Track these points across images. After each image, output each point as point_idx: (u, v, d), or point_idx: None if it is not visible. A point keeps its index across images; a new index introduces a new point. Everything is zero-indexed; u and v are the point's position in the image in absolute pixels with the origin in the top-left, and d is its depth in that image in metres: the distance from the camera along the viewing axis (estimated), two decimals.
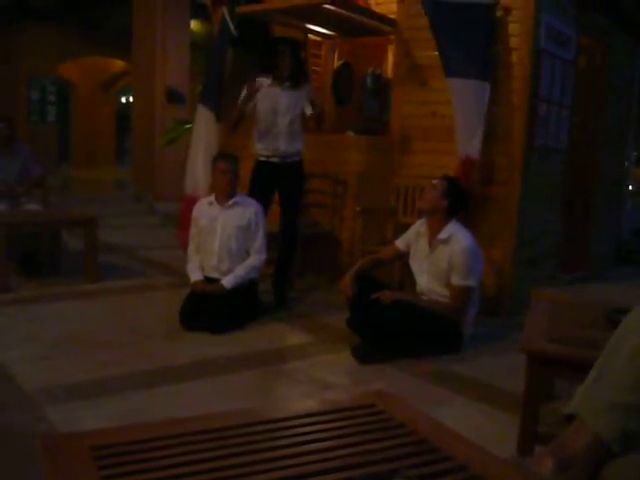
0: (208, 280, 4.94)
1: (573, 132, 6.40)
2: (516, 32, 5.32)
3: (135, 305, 5.40)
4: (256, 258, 5.01)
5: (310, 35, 6.82)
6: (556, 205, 6.23)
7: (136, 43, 12.91)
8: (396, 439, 1.70)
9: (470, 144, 5.22)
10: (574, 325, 2.94)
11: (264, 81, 5.29)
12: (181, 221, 5.85)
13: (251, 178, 5.48)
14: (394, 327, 4.25)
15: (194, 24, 13.03)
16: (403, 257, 4.85)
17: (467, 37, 5.20)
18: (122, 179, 15.16)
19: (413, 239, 4.67)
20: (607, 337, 1.72)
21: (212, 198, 5.10)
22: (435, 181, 4.56)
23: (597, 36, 6.86)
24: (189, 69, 12.98)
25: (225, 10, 5.78)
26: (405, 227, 5.05)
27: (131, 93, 15.70)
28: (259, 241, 5.03)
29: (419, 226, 4.65)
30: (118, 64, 19.30)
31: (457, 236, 4.40)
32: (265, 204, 5.27)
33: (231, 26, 5.74)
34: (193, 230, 5.14)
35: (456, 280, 4.35)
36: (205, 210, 5.10)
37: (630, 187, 10.05)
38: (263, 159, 5.42)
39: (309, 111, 5.31)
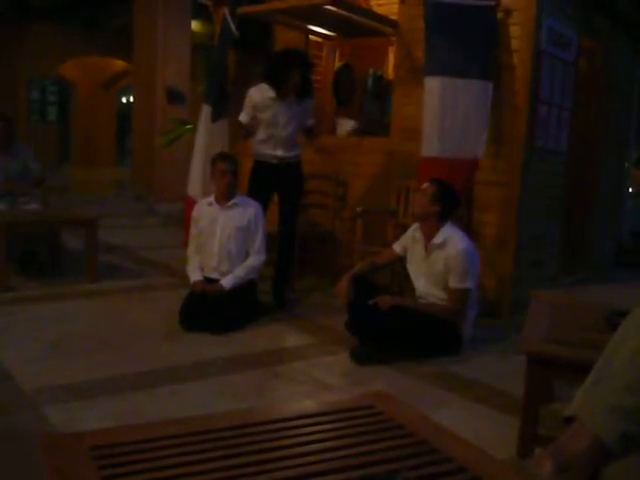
0: (208, 281, 4.95)
1: (573, 134, 6.39)
2: (517, 34, 5.33)
3: (135, 305, 5.40)
4: (255, 259, 5.02)
5: (311, 36, 6.81)
6: (556, 207, 6.23)
7: (137, 43, 12.91)
8: (395, 440, 1.70)
9: (474, 145, 5.20)
10: (574, 327, 2.94)
11: (263, 88, 5.28)
12: (186, 221, 5.85)
13: (250, 179, 5.49)
14: (393, 330, 4.24)
15: (195, 24, 13.03)
16: (400, 261, 4.84)
17: (469, 38, 5.19)
18: (122, 181, 15.16)
19: (410, 243, 4.66)
20: (607, 339, 1.72)
21: (212, 199, 5.10)
22: (424, 185, 4.54)
23: (598, 38, 6.86)
24: (190, 69, 12.98)
25: (226, 10, 5.78)
26: (405, 228, 5.05)
27: (132, 93, 15.69)
28: (259, 242, 5.03)
29: (413, 231, 4.64)
30: (119, 64, 19.29)
31: (452, 239, 4.39)
32: (264, 205, 5.28)
33: (232, 26, 5.74)
34: (193, 231, 5.15)
35: (454, 283, 4.35)
36: (205, 211, 5.10)
37: (630, 189, 10.04)
38: (261, 159, 5.43)
39: (309, 122, 5.44)
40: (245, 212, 5.01)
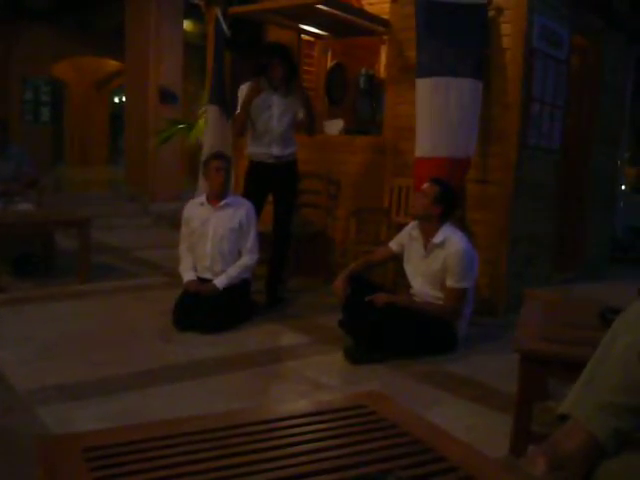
0: (201, 281, 4.94)
1: (566, 132, 6.40)
2: (508, 32, 5.33)
3: (128, 305, 5.39)
4: (249, 258, 5.01)
5: (303, 35, 6.81)
6: (550, 204, 6.23)
7: (129, 43, 12.89)
8: (388, 440, 1.70)
9: (466, 144, 5.22)
10: (567, 325, 2.94)
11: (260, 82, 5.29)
12: None
13: (245, 179, 5.49)
14: (388, 328, 4.24)
15: (187, 24, 13.03)
16: (396, 258, 4.84)
17: (460, 37, 5.20)
18: (115, 181, 15.14)
19: (406, 242, 4.65)
20: (600, 337, 1.72)
21: (203, 199, 5.09)
22: (425, 185, 4.53)
23: (590, 35, 6.87)
24: (182, 69, 12.96)
25: (218, 10, 5.77)
26: (399, 227, 5.06)
27: (124, 93, 15.67)
28: (251, 241, 5.02)
29: (411, 229, 4.64)
30: (112, 64, 19.25)
31: (452, 239, 4.39)
32: (259, 204, 5.28)
33: (224, 26, 5.74)
34: (184, 230, 5.13)
35: (451, 282, 4.35)
36: (196, 211, 5.09)
37: (623, 187, 10.06)
38: (256, 160, 5.42)
39: (300, 115, 5.35)
40: (237, 212, 5.00)
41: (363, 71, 7.21)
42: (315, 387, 3.77)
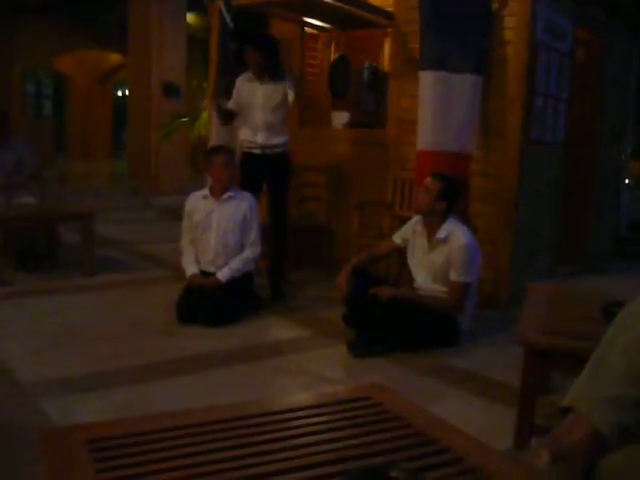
0: (204, 274, 4.94)
1: (570, 125, 6.39)
2: (512, 25, 5.31)
3: (132, 299, 5.39)
4: (251, 251, 5.01)
5: (307, 28, 6.79)
6: (553, 198, 6.23)
7: (132, 36, 12.88)
8: (392, 432, 1.70)
9: (467, 139, 5.22)
10: (571, 318, 2.94)
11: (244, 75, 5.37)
12: None
13: (239, 170, 5.48)
14: (391, 322, 4.25)
15: (190, 17, 13.02)
16: (400, 252, 4.84)
17: (463, 29, 5.19)
18: (118, 175, 15.15)
19: (410, 235, 4.65)
20: (603, 330, 1.72)
21: (206, 191, 5.07)
22: (427, 181, 4.51)
23: (594, 28, 6.85)
24: (185, 62, 12.96)
25: (221, 3, 5.76)
26: (402, 220, 5.05)
27: (127, 87, 15.67)
28: (254, 234, 5.02)
29: (414, 224, 4.63)
30: (114, 57, 19.25)
31: (455, 233, 4.38)
32: (254, 195, 5.26)
33: (228, 19, 5.72)
34: (186, 223, 5.12)
35: (455, 276, 4.34)
36: (199, 204, 5.08)
37: (627, 181, 10.04)
38: (246, 150, 5.43)
39: (291, 98, 5.33)
40: (240, 205, 5.00)
41: (367, 64, 7.20)
42: (318, 380, 3.77)
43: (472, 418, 3.24)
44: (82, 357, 3.96)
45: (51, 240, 6.42)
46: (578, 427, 1.58)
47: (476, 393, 3.67)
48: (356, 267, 4.59)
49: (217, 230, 4.96)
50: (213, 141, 5.84)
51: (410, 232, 4.64)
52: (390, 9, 6.00)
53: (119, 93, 23.07)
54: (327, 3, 5.60)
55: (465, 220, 4.92)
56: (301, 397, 2.87)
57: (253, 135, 5.35)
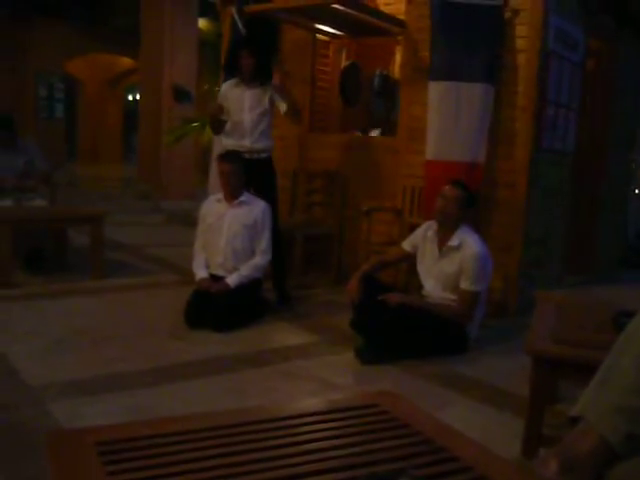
0: (214, 278, 4.96)
1: (580, 135, 6.38)
2: (524, 34, 5.31)
3: (140, 302, 5.40)
4: (261, 258, 5.03)
5: (318, 35, 6.81)
6: (563, 207, 6.22)
7: (144, 41, 12.93)
8: (400, 439, 1.70)
9: (477, 148, 5.23)
10: (580, 327, 2.93)
11: (231, 80, 5.39)
12: None
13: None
14: (399, 328, 4.24)
15: (202, 22, 13.05)
16: (409, 259, 4.84)
17: (474, 39, 5.21)
18: (128, 179, 15.18)
19: (420, 242, 4.64)
20: (613, 340, 1.71)
21: (221, 196, 5.12)
22: (447, 187, 4.49)
23: (605, 38, 6.84)
24: (197, 67, 12.99)
25: (233, 9, 5.78)
26: (411, 227, 5.05)
27: (138, 91, 15.72)
28: (265, 241, 5.04)
29: (426, 230, 4.62)
30: (125, 61, 19.34)
31: (468, 241, 4.38)
32: None
33: (240, 25, 5.74)
34: (200, 227, 5.17)
35: (465, 285, 4.34)
36: (213, 207, 5.14)
37: (636, 190, 10.02)
38: None
39: (283, 109, 5.33)
40: (252, 210, 5.03)
41: (378, 71, 7.20)
42: (326, 386, 3.77)
43: (480, 426, 3.23)
44: (90, 360, 3.97)
45: (60, 243, 6.44)
46: (587, 437, 1.58)
47: (484, 401, 3.66)
48: (365, 274, 4.59)
49: (227, 234, 4.98)
50: (216, 147, 5.85)
51: (420, 238, 4.64)
52: (401, 17, 6.01)
53: (130, 97, 23.17)
54: (339, 10, 5.61)
55: (475, 228, 4.92)
56: (309, 403, 2.86)
57: (240, 139, 5.34)
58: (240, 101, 5.32)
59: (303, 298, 5.72)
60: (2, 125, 6.42)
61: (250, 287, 4.98)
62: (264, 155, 5.43)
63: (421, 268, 4.65)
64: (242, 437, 1.67)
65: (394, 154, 6.09)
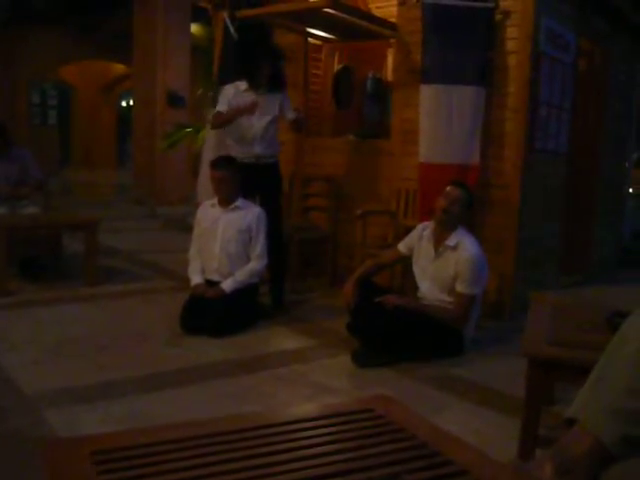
0: (209, 283, 4.95)
1: (573, 135, 6.39)
2: (515, 35, 5.33)
3: (136, 309, 5.40)
4: (257, 263, 5.02)
5: (310, 39, 6.81)
6: (557, 208, 6.23)
7: (136, 46, 12.93)
8: (396, 443, 1.70)
9: (470, 151, 5.25)
10: (575, 328, 2.94)
11: (236, 84, 5.34)
12: None
13: None
14: (395, 330, 4.24)
15: (195, 27, 13.05)
16: (405, 261, 4.84)
17: (466, 42, 5.22)
18: (123, 185, 15.17)
19: (416, 242, 4.64)
20: (608, 340, 1.72)
21: (215, 201, 5.12)
22: (449, 188, 4.49)
23: (597, 39, 6.86)
24: (190, 72, 12.99)
25: (225, 14, 5.78)
26: (406, 230, 5.05)
27: (132, 97, 15.73)
28: (260, 246, 5.03)
29: (422, 230, 4.63)
30: (119, 68, 19.32)
31: (464, 243, 4.39)
32: None
33: (232, 29, 5.74)
34: (196, 231, 5.17)
35: (461, 288, 4.34)
36: (208, 212, 5.15)
37: (630, 189, 10.03)
38: (239, 161, 5.40)
39: (291, 116, 5.35)
40: (247, 216, 5.03)
41: (370, 74, 7.21)
42: (322, 390, 3.77)
43: (476, 429, 3.24)
44: (85, 367, 3.96)
45: (55, 250, 6.43)
46: (582, 439, 1.58)
47: (479, 403, 3.66)
48: (361, 277, 4.59)
49: (222, 238, 4.98)
50: (206, 153, 5.85)
51: (416, 239, 4.64)
52: (393, 20, 6.02)
53: (123, 103, 23.15)
54: (330, 14, 5.62)
55: (470, 230, 4.93)
56: (305, 408, 2.86)
57: (249, 146, 5.32)
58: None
59: (299, 302, 5.72)
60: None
61: (246, 292, 4.98)
62: (272, 160, 5.43)
63: (416, 269, 4.65)
64: (239, 444, 1.67)
65: (388, 157, 6.09)
